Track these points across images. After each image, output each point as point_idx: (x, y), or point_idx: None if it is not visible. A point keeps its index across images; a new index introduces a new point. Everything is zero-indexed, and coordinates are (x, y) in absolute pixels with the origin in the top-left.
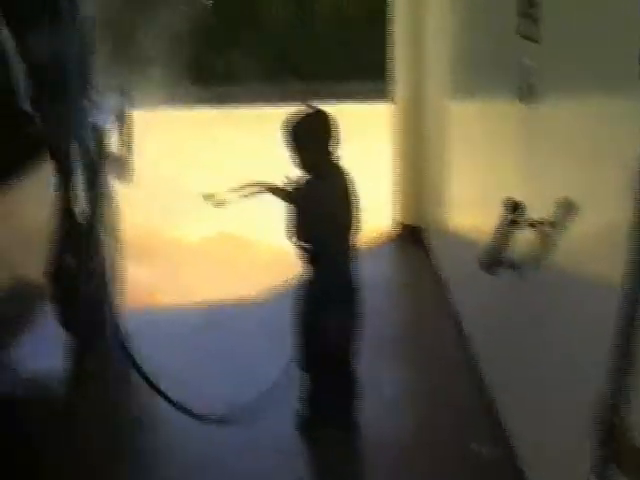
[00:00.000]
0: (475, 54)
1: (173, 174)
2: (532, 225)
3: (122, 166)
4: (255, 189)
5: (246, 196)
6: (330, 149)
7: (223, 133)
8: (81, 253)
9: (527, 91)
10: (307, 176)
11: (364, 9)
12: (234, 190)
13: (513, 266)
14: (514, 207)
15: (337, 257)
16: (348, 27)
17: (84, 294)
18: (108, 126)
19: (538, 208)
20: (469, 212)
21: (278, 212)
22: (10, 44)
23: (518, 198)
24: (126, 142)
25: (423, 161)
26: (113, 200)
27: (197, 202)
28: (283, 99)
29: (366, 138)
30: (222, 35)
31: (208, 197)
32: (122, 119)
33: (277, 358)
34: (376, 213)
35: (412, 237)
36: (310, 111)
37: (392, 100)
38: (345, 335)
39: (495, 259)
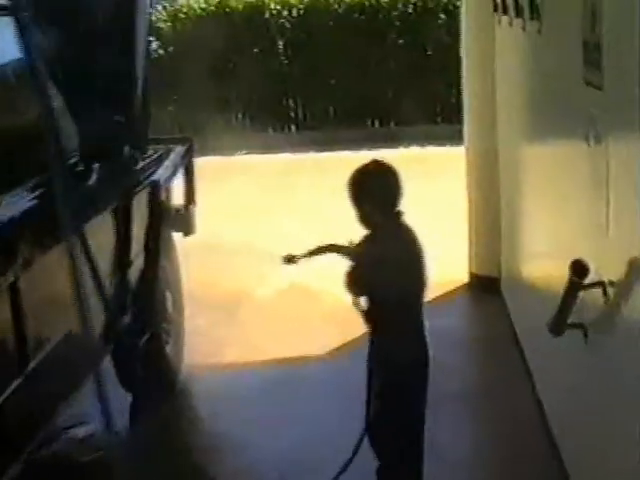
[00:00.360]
0: (543, 98)
1: (244, 223)
2: (600, 285)
3: (184, 218)
4: (328, 251)
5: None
6: (393, 206)
7: (302, 179)
8: (139, 311)
9: (594, 140)
10: (369, 234)
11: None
12: (309, 254)
13: (581, 327)
14: (581, 270)
15: (401, 318)
16: (426, 71)
17: (142, 353)
18: (168, 178)
19: (606, 266)
20: (543, 263)
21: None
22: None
23: (586, 252)
24: (189, 193)
25: (498, 209)
26: (175, 254)
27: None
28: (363, 143)
29: (445, 182)
30: (300, 79)
31: (287, 259)
32: (185, 171)
33: (349, 421)
34: (451, 263)
35: (488, 288)
36: (374, 166)
37: (465, 146)
38: (414, 401)
39: (562, 321)
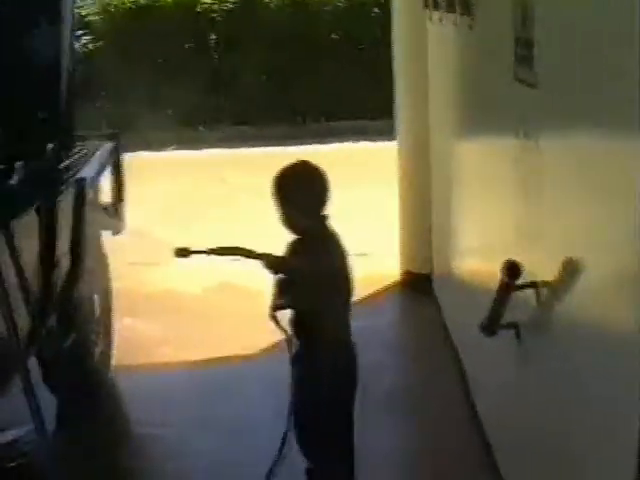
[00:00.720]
0: (473, 95)
1: (174, 220)
2: (532, 286)
3: (113, 216)
4: (232, 253)
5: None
6: (319, 209)
7: (227, 175)
8: (62, 311)
9: (526, 137)
10: (293, 241)
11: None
12: (208, 251)
13: (513, 327)
14: (514, 271)
15: (328, 326)
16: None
17: (66, 353)
18: (96, 175)
19: (539, 265)
20: (475, 262)
21: None
22: None
23: (518, 252)
24: (117, 191)
25: (429, 205)
26: (102, 254)
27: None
28: (290, 139)
29: (375, 179)
30: (226, 76)
31: (179, 252)
32: (114, 168)
33: (279, 421)
34: (383, 260)
35: (420, 286)
36: (299, 167)
37: (397, 142)
38: (342, 406)
39: (494, 321)
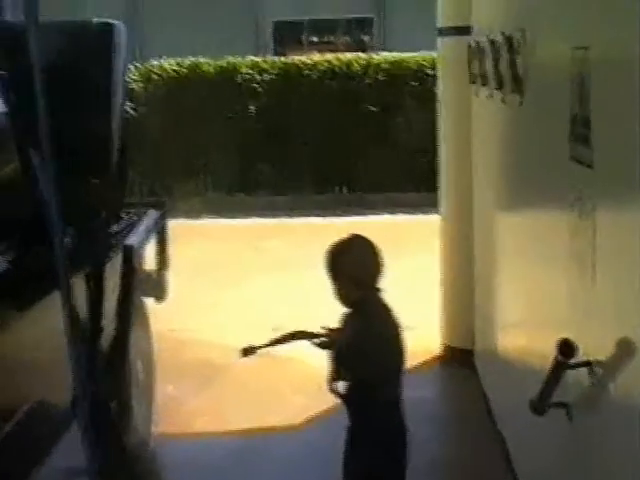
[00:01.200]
0: (523, 170)
1: (212, 287)
2: (586, 365)
3: (157, 283)
4: (294, 338)
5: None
6: (372, 282)
7: (271, 243)
8: (107, 378)
9: (581, 216)
10: (347, 314)
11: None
12: (272, 342)
13: (564, 407)
14: (568, 349)
15: (382, 398)
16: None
17: (108, 421)
18: (142, 243)
19: (593, 345)
20: (522, 337)
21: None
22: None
23: (570, 331)
24: (162, 258)
25: (471, 279)
26: (147, 321)
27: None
28: (334, 210)
29: (416, 250)
30: (271, 145)
31: (245, 352)
32: (159, 235)
33: None
34: (423, 333)
35: (461, 360)
36: (353, 241)
37: (440, 214)
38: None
39: (545, 400)
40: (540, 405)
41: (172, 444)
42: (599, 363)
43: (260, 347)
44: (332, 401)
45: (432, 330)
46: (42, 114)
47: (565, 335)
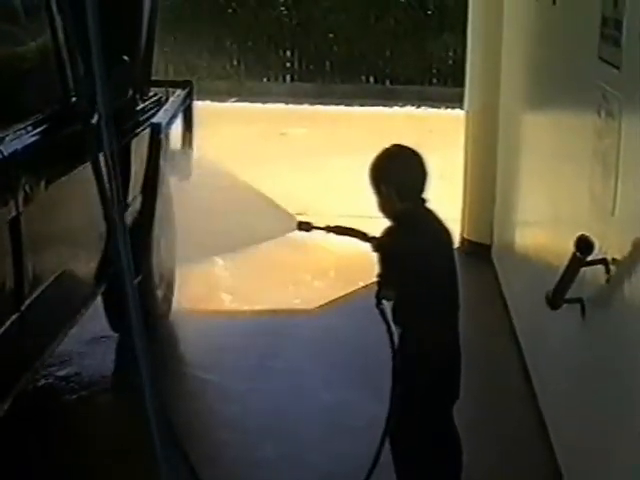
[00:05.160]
0: (552, 68)
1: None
2: (603, 262)
3: (182, 162)
4: (349, 232)
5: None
6: (418, 193)
7: (296, 130)
8: (131, 252)
9: (606, 116)
10: (392, 226)
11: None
12: (329, 228)
13: (579, 302)
14: (586, 246)
15: (433, 312)
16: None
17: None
18: (168, 121)
19: (610, 243)
20: (540, 234)
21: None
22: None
23: (589, 228)
24: (187, 138)
25: (494, 175)
26: (170, 198)
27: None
28: (357, 99)
29: (439, 144)
30: (296, 33)
31: (302, 226)
32: (185, 115)
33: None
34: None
35: (479, 254)
36: (397, 150)
37: (464, 109)
38: (439, 407)
39: (560, 294)
40: (555, 299)
41: (191, 319)
42: (615, 261)
43: (316, 227)
44: (350, 288)
45: (453, 224)
46: None
47: (584, 232)
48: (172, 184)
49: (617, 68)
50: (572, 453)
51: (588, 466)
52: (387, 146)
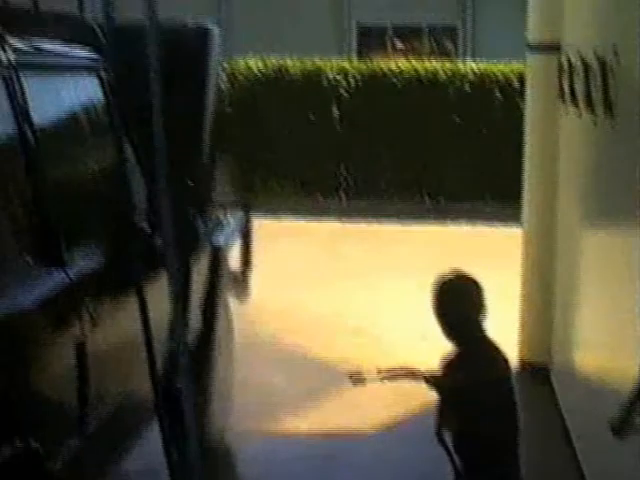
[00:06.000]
0: (614, 193)
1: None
2: None
3: (240, 284)
4: (403, 375)
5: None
6: (478, 321)
7: (349, 248)
8: (191, 373)
9: None
10: (453, 358)
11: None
12: (382, 376)
13: None
14: None
15: (492, 449)
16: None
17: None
18: (228, 243)
19: None
20: (601, 355)
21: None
22: (132, 158)
23: None
24: (246, 258)
25: (552, 294)
26: (229, 318)
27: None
28: (415, 217)
29: (496, 264)
30: (353, 148)
31: (356, 379)
32: (244, 236)
33: None
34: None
35: (538, 377)
36: (457, 279)
37: (522, 226)
38: None
39: (628, 421)
40: (621, 426)
41: (250, 438)
42: None
43: (371, 379)
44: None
45: (510, 346)
46: (156, 114)
47: None
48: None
49: None
50: None
51: None
52: (445, 274)
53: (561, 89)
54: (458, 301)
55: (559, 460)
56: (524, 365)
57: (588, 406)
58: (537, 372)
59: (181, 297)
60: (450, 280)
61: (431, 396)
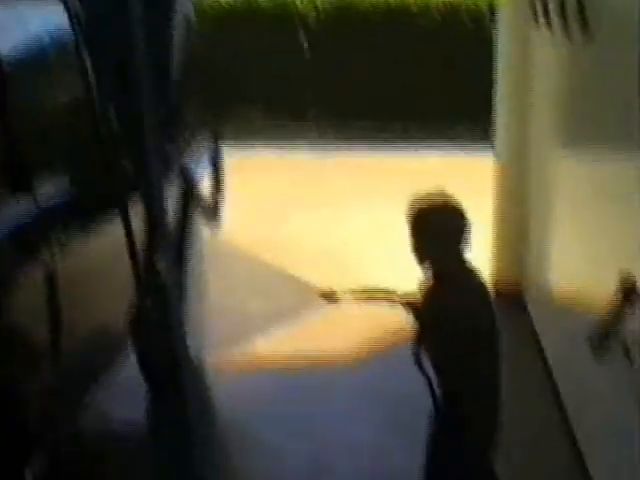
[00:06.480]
0: (590, 113)
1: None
2: None
3: (211, 212)
4: (379, 297)
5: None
6: (459, 250)
7: (319, 174)
8: (163, 302)
9: None
10: (431, 285)
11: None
12: (355, 293)
13: (624, 349)
14: (631, 287)
15: (471, 378)
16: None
17: (160, 344)
18: (199, 170)
19: None
20: (576, 278)
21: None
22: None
23: (635, 271)
24: (216, 187)
25: (526, 218)
26: (199, 245)
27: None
28: (383, 138)
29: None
30: (320, 73)
31: (327, 296)
32: (214, 163)
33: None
34: None
35: (511, 299)
36: (439, 204)
37: (494, 153)
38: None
39: (605, 341)
40: (599, 345)
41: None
42: None
43: (342, 296)
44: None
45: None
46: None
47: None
48: None
49: None
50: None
51: None
52: (423, 194)
53: (533, 10)
54: (438, 222)
55: (534, 382)
56: (498, 288)
57: (564, 327)
58: (511, 295)
59: (160, 222)
60: (426, 202)
61: (407, 322)
